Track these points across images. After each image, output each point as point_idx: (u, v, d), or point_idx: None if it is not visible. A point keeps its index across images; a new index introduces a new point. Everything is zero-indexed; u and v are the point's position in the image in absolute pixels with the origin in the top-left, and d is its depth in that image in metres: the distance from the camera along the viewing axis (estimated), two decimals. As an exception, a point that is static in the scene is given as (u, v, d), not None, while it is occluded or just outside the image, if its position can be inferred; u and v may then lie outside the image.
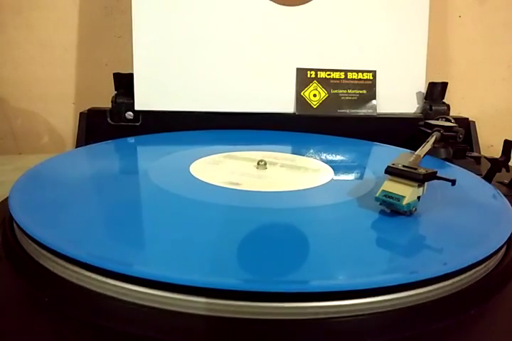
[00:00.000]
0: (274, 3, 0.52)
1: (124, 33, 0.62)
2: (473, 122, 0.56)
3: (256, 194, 0.31)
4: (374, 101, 0.54)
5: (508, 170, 0.40)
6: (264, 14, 0.52)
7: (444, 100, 0.56)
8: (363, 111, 0.54)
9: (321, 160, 0.41)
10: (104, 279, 0.21)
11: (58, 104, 0.64)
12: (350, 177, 0.38)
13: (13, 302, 0.22)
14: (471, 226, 0.28)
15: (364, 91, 0.54)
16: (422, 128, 0.45)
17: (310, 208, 0.30)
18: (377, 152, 0.47)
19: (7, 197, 0.29)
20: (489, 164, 0.40)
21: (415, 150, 0.34)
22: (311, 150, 0.44)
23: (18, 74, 0.63)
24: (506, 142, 0.40)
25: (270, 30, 0.52)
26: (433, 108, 0.55)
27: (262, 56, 0.52)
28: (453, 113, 0.56)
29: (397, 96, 0.55)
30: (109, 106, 0.51)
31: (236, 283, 0.20)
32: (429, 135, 0.42)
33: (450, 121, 0.48)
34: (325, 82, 0.53)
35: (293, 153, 0.43)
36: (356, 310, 0.20)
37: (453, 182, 0.27)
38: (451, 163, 0.42)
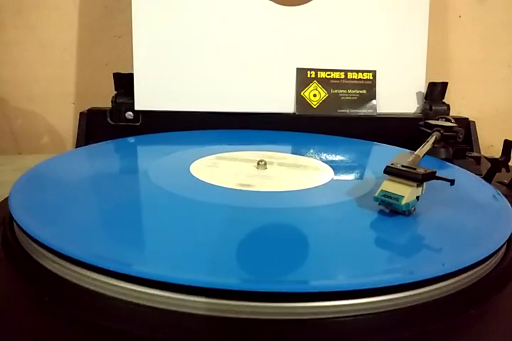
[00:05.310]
0: (274, 3, 0.52)
1: (124, 33, 0.62)
2: (473, 122, 0.56)
3: (256, 194, 0.31)
4: (374, 101, 0.54)
5: (508, 170, 0.40)
6: (264, 14, 0.52)
7: (444, 100, 0.55)
8: (363, 111, 0.54)
9: (321, 160, 0.41)
10: (104, 279, 0.21)
11: (58, 104, 0.64)
12: (350, 177, 0.38)
13: (13, 302, 0.22)
14: (471, 226, 0.28)
15: (364, 91, 0.54)
16: (422, 128, 0.45)
17: (310, 208, 0.30)
18: (377, 152, 0.47)
19: (7, 197, 0.29)
20: (489, 164, 0.40)
21: (415, 150, 0.34)
22: (311, 150, 0.44)
23: (18, 74, 0.63)
24: (506, 142, 0.40)
25: (270, 30, 0.52)
26: (433, 108, 0.55)
27: (261, 56, 0.52)
28: (453, 113, 0.56)
29: (397, 96, 0.55)
30: (109, 106, 0.51)
31: (236, 283, 0.20)
32: (429, 135, 0.42)
33: (450, 121, 0.48)
34: (325, 82, 0.53)
35: (293, 153, 0.43)
36: (356, 310, 0.20)
37: (452, 182, 0.27)
38: (451, 163, 0.42)
